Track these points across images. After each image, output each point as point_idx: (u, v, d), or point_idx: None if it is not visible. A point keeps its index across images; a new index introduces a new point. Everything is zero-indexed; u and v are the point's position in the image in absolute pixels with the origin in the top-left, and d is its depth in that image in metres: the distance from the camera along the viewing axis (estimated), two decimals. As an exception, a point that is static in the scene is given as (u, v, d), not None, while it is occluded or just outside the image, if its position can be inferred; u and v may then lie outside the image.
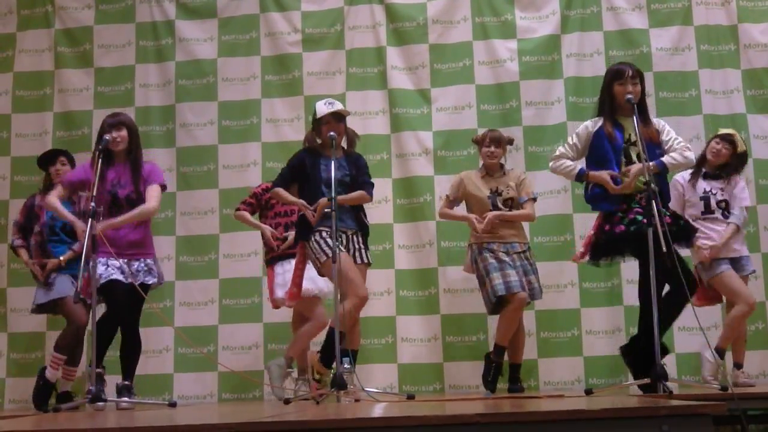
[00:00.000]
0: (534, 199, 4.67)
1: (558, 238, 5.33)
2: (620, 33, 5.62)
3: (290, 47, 5.75)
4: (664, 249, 3.52)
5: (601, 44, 5.60)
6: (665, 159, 3.92)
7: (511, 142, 4.81)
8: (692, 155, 4.04)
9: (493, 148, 4.64)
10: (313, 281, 4.49)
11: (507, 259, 4.46)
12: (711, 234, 4.47)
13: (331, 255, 3.81)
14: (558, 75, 5.56)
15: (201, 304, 5.41)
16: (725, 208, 4.53)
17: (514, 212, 4.56)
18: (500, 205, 4.58)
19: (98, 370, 3.94)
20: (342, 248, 4.00)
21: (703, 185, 4.56)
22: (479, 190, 4.61)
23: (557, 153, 4.16)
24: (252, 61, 5.75)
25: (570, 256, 5.22)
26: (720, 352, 4.41)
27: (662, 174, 3.93)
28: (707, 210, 4.52)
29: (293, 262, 4.45)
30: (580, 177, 4.04)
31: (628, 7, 5.65)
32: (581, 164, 4.08)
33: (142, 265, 4.17)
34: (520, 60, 5.60)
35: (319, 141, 4.22)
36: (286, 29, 5.78)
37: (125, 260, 4.08)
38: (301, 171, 4.18)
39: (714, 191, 4.54)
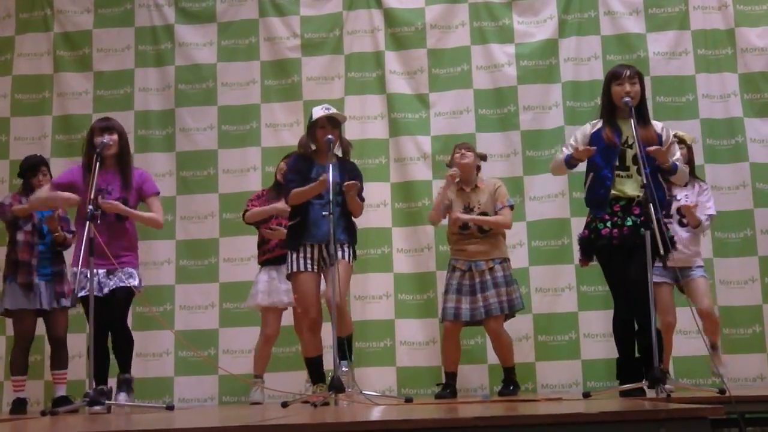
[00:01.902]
0: (511, 207, 4.63)
1: (555, 242, 5.35)
2: (617, 37, 5.64)
3: (289, 52, 5.77)
4: (662, 252, 3.54)
5: (598, 48, 5.62)
6: (680, 164, 3.90)
7: (484, 158, 4.74)
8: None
9: (463, 151, 4.60)
10: (268, 294, 4.68)
11: (455, 282, 4.53)
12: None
13: (293, 271, 4.06)
14: (556, 79, 5.59)
15: (201, 308, 5.42)
16: (682, 215, 4.41)
17: (488, 218, 4.53)
18: (470, 223, 4.54)
19: (101, 387, 3.93)
20: (309, 265, 4.04)
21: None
22: (453, 206, 4.60)
23: (556, 155, 4.16)
24: (251, 65, 5.77)
25: (567, 260, 5.26)
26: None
27: (668, 174, 3.86)
28: (666, 214, 4.35)
29: (280, 267, 4.64)
30: (568, 162, 4.01)
31: (625, 11, 5.68)
32: (568, 152, 4.02)
33: (123, 272, 4.11)
34: (517, 64, 5.62)
35: (313, 147, 4.17)
36: (285, 34, 5.80)
37: (104, 270, 4.05)
38: (307, 177, 4.16)
39: (678, 197, 4.45)
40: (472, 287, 4.51)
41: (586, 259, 4.11)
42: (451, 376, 4.67)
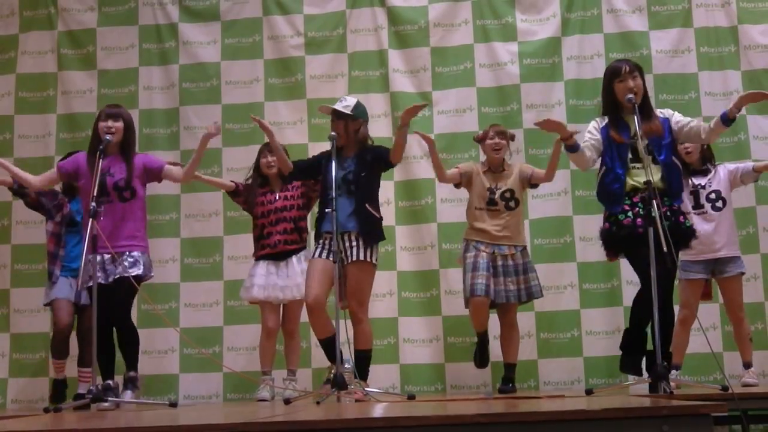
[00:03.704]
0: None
1: (558, 240, 5.35)
2: (620, 35, 5.63)
3: (293, 50, 5.77)
4: (665, 248, 3.56)
5: (601, 47, 5.62)
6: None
7: (512, 137, 4.84)
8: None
9: (497, 140, 4.65)
10: (264, 288, 4.67)
11: (483, 261, 4.51)
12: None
13: (310, 259, 4.15)
14: (558, 78, 5.58)
15: (206, 306, 5.44)
16: (715, 199, 4.53)
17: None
18: (497, 199, 4.60)
19: (108, 382, 3.95)
20: (322, 254, 4.10)
21: (692, 180, 4.56)
22: (481, 183, 4.65)
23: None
24: (255, 64, 5.77)
25: (570, 257, 5.26)
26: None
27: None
28: (697, 205, 4.53)
29: (279, 264, 4.68)
30: (567, 147, 3.99)
31: (628, 9, 5.67)
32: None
33: (129, 258, 4.14)
34: (520, 63, 5.62)
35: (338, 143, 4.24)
36: (288, 32, 5.80)
37: (109, 255, 4.06)
38: (317, 170, 4.28)
39: (704, 184, 4.55)
40: (495, 269, 4.52)
41: (611, 253, 4.08)
42: (484, 334, 4.65)
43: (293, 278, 4.66)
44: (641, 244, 3.77)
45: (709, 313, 4.97)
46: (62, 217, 4.84)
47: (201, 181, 4.94)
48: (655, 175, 3.82)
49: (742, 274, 4.60)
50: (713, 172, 4.60)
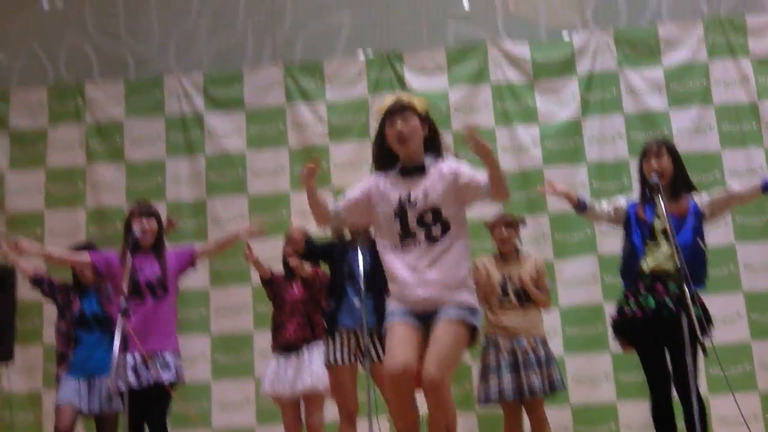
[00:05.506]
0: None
1: (590, 329, 5.29)
2: (640, 116, 5.63)
3: (317, 139, 5.81)
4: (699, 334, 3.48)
5: (621, 127, 5.61)
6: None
7: (523, 221, 4.65)
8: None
9: (505, 233, 4.49)
10: (272, 382, 4.53)
11: (493, 360, 4.38)
12: None
13: (328, 362, 4.04)
14: (581, 159, 5.58)
15: (238, 404, 5.38)
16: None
17: (537, 292, 4.42)
18: (511, 294, 4.40)
19: None
20: (345, 356, 4.01)
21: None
22: (491, 276, 4.45)
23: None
24: (280, 153, 5.81)
25: (603, 347, 5.15)
26: None
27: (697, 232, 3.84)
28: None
29: (290, 355, 4.52)
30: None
31: (647, 88, 5.68)
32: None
33: (160, 359, 4.05)
34: (542, 145, 5.62)
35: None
36: (312, 120, 5.84)
37: (140, 354, 3.97)
38: (329, 255, 4.24)
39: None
40: (515, 363, 4.34)
41: (624, 343, 4.03)
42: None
43: (304, 366, 4.48)
44: (642, 339, 3.78)
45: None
46: (71, 316, 4.62)
47: (251, 259, 4.73)
48: (669, 259, 3.75)
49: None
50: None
